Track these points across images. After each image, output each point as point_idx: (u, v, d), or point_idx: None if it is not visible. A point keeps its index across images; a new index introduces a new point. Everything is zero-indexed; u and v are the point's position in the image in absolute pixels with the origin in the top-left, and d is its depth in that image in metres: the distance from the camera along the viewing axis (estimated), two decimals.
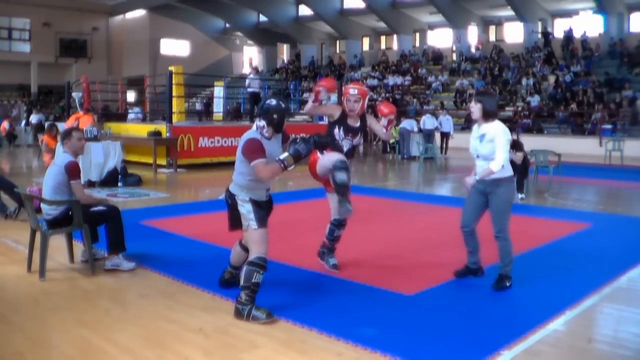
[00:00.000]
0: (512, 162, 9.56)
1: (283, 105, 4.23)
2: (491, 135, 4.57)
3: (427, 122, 17.85)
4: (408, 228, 7.17)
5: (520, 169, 9.64)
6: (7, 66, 34.01)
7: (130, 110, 19.37)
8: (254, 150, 4.10)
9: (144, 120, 18.22)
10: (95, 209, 5.29)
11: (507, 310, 4.30)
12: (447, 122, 18.38)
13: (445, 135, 18.32)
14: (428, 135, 17.49)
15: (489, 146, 4.58)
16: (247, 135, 4.27)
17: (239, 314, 4.03)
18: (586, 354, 3.61)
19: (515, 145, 9.70)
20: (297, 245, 6.28)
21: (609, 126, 20.12)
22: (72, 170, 5.19)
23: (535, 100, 22.70)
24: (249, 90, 17.21)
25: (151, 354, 3.54)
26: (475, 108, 4.66)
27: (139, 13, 37.92)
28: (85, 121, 11.78)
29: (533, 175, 10.98)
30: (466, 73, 27.32)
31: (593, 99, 21.28)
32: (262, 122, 4.18)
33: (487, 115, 4.64)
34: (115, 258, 5.22)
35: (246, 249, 4.42)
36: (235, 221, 4.32)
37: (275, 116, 4.15)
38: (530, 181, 10.62)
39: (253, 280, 4.01)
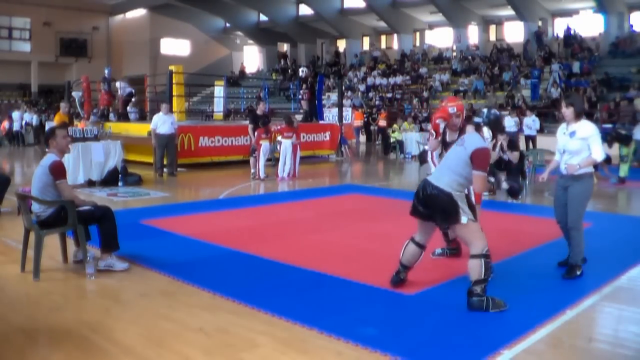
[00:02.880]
0: (509, 162, 9.59)
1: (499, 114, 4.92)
2: (583, 133, 4.98)
3: None
4: (409, 228, 7.16)
5: (516, 169, 9.62)
6: (8, 66, 34.03)
7: (129, 110, 19.27)
8: (486, 160, 4.32)
9: (142, 119, 18.19)
10: (83, 208, 5.21)
11: (508, 310, 4.29)
12: None
13: None
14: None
15: (579, 143, 4.98)
16: (478, 141, 4.40)
17: (479, 306, 4.12)
18: (586, 354, 3.60)
19: (510, 145, 9.70)
20: (297, 245, 6.28)
21: (609, 125, 20.10)
22: (57, 170, 5.06)
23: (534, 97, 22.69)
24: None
25: (152, 353, 3.54)
26: (568, 111, 5.06)
27: (139, 12, 37.92)
28: (58, 120, 11.90)
29: (531, 174, 10.98)
30: (466, 73, 27.28)
31: (593, 99, 21.25)
32: (490, 134, 4.69)
33: (578, 116, 5.06)
34: (108, 258, 5.19)
35: (421, 246, 4.60)
36: (453, 218, 4.25)
37: (499, 125, 4.97)
38: (529, 181, 10.62)
39: (490, 272, 4.17)
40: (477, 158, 4.26)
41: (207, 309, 4.27)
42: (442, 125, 5.45)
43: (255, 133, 11.89)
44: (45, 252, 5.18)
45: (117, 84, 17.60)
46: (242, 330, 3.87)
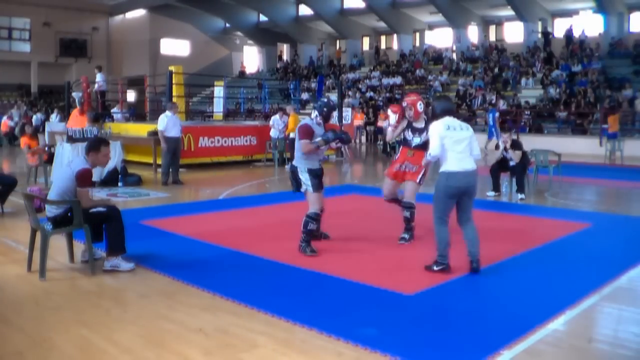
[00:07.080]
0: (511, 161, 9.59)
1: (332, 103, 6.12)
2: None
3: None
4: None
5: (519, 169, 9.62)
6: (7, 66, 34.01)
7: (114, 110, 18.98)
8: (304, 132, 5.74)
9: (141, 119, 18.17)
10: (95, 210, 5.26)
11: (507, 310, 4.30)
12: None
13: None
14: None
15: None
16: (302, 121, 5.93)
17: (299, 249, 5.77)
18: (586, 354, 3.60)
19: (513, 144, 9.71)
20: (297, 245, 6.26)
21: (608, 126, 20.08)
22: (83, 179, 5.10)
23: (534, 99, 22.69)
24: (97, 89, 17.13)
25: (151, 353, 3.54)
26: None
27: (139, 13, 37.91)
28: (79, 122, 11.78)
29: (533, 175, 10.98)
30: (466, 73, 27.26)
31: (593, 99, 21.24)
32: (316, 113, 5.91)
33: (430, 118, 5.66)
34: (114, 259, 5.22)
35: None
36: (298, 186, 5.95)
37: (325, 109, 5.91)
38: (531, 181, 10.61)
39: (308, 228, 5.77)
40: (300, 131, 5.76)
41: (207, 310, 4.27)
42: (393, 117, 6.37)
43: None
44: (49, 252, 5.18)
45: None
46: (242, 331, 3.87)
